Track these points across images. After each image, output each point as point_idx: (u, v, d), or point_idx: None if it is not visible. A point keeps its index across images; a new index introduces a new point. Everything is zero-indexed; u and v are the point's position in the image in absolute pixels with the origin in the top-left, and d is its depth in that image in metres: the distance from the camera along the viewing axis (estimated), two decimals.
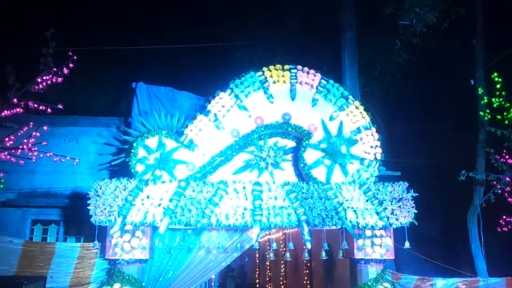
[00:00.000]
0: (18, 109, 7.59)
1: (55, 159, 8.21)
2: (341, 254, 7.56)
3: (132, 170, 7.37)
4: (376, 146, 7.89)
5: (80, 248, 7.31)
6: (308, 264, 11.38)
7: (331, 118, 8.06)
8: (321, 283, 10.54)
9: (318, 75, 8.19)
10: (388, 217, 7.20)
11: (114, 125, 9.54)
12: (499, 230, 9.01)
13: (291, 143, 8.09)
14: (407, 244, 7.25)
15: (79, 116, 10.05)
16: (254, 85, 8.01)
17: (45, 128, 8.01)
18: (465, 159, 9.80)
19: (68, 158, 8.27)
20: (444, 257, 9.42)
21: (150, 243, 7.16)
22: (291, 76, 8.12)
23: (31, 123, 7.97)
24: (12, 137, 7.90)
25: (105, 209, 6.84)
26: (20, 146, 7.76)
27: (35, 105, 7.62)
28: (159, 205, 6.95)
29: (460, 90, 11.15)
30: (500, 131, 8.76)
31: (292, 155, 7.99)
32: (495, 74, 8.71)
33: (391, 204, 7.27)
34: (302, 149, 7.71)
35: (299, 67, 8.21)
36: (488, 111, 9.08)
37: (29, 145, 7.83)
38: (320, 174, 7.66)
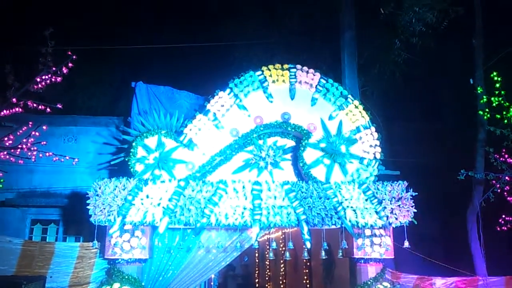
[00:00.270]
0: (17, 109, 7.58)
1: (54, 159, 8.19)
2: (340, 254, 7.57)
3: (132, 169, 7.37)
4: (376, 145, 7.90)
5: (79, 247, 7.31)
6: (308, 264, 11.37)
7: (330, 118, 8.05)
8: (320, 283, 10.53)
9: (318, 75, 8.19)
10: (387, 217, 7.21)
11: (113, 124, 9.52)
12: (498, 229, 9.03)
13: (290, 143, 8.08)
14: (406, 244, 7.26)
15: (78, 115, 10.04)
16: (253, 84, 8.01)
17: (44, 127, 7.98)
18: (464, 158, 9.80)
19: (67, 157, 8.24)
20: (443, 256, 9.41)
21: (150, 243, 7.16)
22: (291, 75, 8.11)
23: (30, 123, 7.95)
24: (11, 137, 7.88)
25: (104, 208, 6.84)
26: (19, 146, 7.74)
27: (34, 105, 7.60)
28: (159, 204, 6.96)
29: (460, 90, 11.15)
30: (500, 130, 8.77)
31: (292, 155, 7.98)
32: (494, 74, 8.73)
33: (391, 204, 7.28)
34: (302, 148, 7.71)
35: (299, 66, 8.21)
36: (487, 110, 9.08)
37: (28, 144, 7.81)
38: (319, 173, 7.66)
